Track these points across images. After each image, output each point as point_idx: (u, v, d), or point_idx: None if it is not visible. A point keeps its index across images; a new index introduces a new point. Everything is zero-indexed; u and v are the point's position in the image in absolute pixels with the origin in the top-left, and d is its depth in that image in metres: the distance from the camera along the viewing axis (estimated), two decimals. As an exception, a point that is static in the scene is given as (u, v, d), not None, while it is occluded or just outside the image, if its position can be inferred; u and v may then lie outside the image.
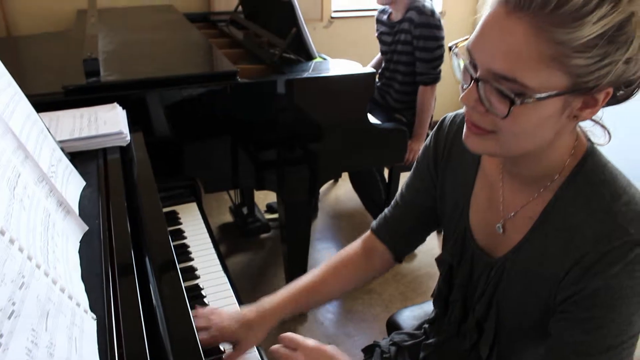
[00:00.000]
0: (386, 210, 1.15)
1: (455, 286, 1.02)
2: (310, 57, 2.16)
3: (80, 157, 1.26)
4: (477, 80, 0.72)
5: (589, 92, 0.69)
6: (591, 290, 0.74)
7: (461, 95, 0.75)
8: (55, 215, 0.91)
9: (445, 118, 1.03)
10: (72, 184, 1.10)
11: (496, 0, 0.69)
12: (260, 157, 1.98)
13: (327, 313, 2.43)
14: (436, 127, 1.04)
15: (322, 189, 3.46)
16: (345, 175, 3.16)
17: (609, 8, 0.63)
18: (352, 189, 3.09)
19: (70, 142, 1.27)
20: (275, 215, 3.06)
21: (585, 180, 0.79)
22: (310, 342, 0.95)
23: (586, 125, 0.82)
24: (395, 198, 1.14)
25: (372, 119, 2.13)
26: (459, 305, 1.02)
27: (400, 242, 1.14)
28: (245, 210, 2.95)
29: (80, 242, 0.95)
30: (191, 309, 1.11)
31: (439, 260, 1.07)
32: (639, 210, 0.74)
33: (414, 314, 1.48)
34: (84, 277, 0.85)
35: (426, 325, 1.22)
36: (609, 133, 0.82)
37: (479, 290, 0.95)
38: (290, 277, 2.28)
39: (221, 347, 1.04)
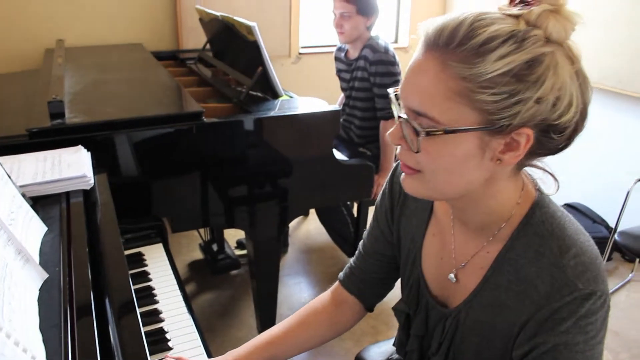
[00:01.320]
0: (351, 260, 1.15)
1: (412, 336, 1.01)
2: (276, 95, 2.19)
3: (43, 201, 1.26)
4: (400, 118, 0.74)
5: (505, 132, 0.70)
6: (548, 347, 0.74)
7: (389, 136, 0.78)
8: (13, 264, 0.91)
9: (398, 164, 1.01)
10: (33, 230, 1.10)
11: (419, 43, 0.73)
12: (228, 195, 1.98)
13: (298, 349, 2.42)
14: (391, 172, 1.04)
15: (293, 224, 3.46)
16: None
17: (512, 47, 0.66)
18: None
19: (32, 187, 1.27)
20: (245, 252, 3.05)
21: (534, 231, 0.79)
22: None
23: (536, 174, 0.84)
24: (358, 248, 1.13)
25: (338, 154, 2.16)
26: (415, 356, 1.01)
27: (368, 292, 1.12)
28: (215, 247, 2.94)
29: (40, 289, 0.95)
30: (154, 353, 1.12)
31: (395, 309, 1.06)
32: (586, 261, 0.75)
33: (382, 350, 1.48)
34: (41, 328, 0.84)
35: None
36: (557, 182, 0.83)
37: (435, 341, 0.94)
38: (260, 313, 2.29)
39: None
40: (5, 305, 0.78)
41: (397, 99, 0.76)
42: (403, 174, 0.81)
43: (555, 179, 0.83)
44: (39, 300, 0.92)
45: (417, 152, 0.73)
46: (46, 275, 0.98)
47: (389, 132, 0.78)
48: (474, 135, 0.70)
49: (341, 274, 1.15)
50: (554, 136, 0.72)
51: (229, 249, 2.95)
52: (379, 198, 1.07)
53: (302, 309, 1.13)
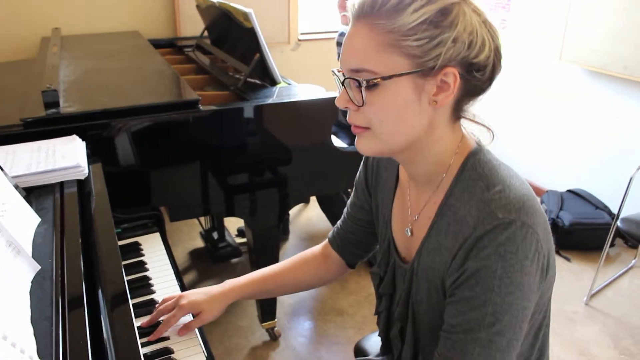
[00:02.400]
0: (338, 222, 1.25)
1: (382, 297, 1.08)
2: (274, 82, 2.17)
3: (37, 192, 1.25)
4: (342, 83, 0.84)
5: (433, 73, 0.79)
6: (471, 271, 0.79)
7: (337, 102, 0.86)
8: (4, 256, 0.90)
9: None
10: (26, 221, 1.08)
11: (350, 19, 0.84)
12: (227, 183, 1.97)
13: (300, 337, 2.42)
14: None
15: (294, 211, 3.45)
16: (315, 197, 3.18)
17: (424, 1, 0.77)
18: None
19: (26, 177, 1.25)
20: (246, 240, 3.04)
21: (469, 176, 0.86)
22: None
23: (475, 129, 0.92)
24: (344, 212, 1.22)
25: (338, 142, 2.14)
26: (384, 316, 1.09)
27: (349, 251, 1.22)
28: (215, 235, 2.93)
29: (33, 282, 0.94)
30: (151, 344, 1.11)
31: (371, 272, 1.14)
32: (510, 196, 0.80)
33: (378, 339, 1.47)
34: (33, 321, 0.83)
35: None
36: (492, 133, 0.92)
37: (398, 296, 1.02)
38: (261, 301, 2.28)
39: None
40: (-6, 299, 0.76)
41: (338, 73, 0.86)
42: (356, 140, 0.88)
43: (489, 129, 0.92)
44: (31, 292, 0.90)
45: (362, 104, 0.81)
46: (38, 267, 0.96)
47: (336, 99, 0.86)
48: (408, 80, 0.80)
49: (330, 233, 1.26)
50: (477, 74, 0.82)
51: (229, 237, 2.94)
52: (359, 170, 1.16)
53: (296, 255, 1.27)
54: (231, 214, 2.06)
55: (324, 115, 2.02)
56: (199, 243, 3.05)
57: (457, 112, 0.87)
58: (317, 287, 1.31)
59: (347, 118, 0.87)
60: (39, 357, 0.76)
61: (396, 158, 0.94)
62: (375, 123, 0.83)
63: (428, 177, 0.92)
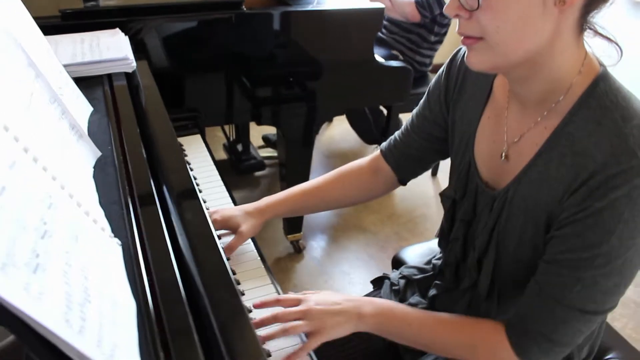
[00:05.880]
0: (396, 133, 1.16)
1: (457, 222, 1.01)
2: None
3: (84, 83, 1.20)
4: None
5: None
6: (593, 210, 0.73)
7: (445, 10, 0.77)
8: (69, 138, 0.87)
9: (459, 50, 1.00)
10: (81, 108, 1.05)
11: None
12: (261, 91, 1.92)
13: (323, 251, 2.44)
14: (450, 58, 1.02)
15: (317, 128, 3.42)
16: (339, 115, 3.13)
17: None
18: (346, 129, 3.06)
19: (73, 67, 1.21)
20: (271, 153, 3.02)
21: (597, 104, 0.76)
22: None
23: (599, 48, 0.81)
24: (405, 124, 1.14)
25: (376, 56, 2.07)
26: (459, 244, 1.01)
27: (405, 166, 1.15)
28: (239, 147, 2.90)
29: (93, 168, 0.91)
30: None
31: (442, 194, 1.06)
32: None
33: (420, 251, 1.48)
34: (101, 204, 0.81)
35: (435, 261, 1.21)
36: (620, 50, 0.79)
37: (481, 224, 0.94)
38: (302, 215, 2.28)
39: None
40: (71, 177, 0.74)
41: None
42: (466, 52, 0.79)
43: (618, 46, 0.79)
44: (94, 177, 0.88)
45: (477, 8, 0.71)
46: (99, 153, 0.94)
47: (445, 7, 0.77)
48: None
49: (383, 144, 1.18)
50: None
51: (253, 150, 2.91)
52: (433, 80, 1.07)
53: (339, 169, 1.19)
54: (262, 122, 2.03)
55: (367, 28, 1.93)
56: (222, 155, 3.02)
57: (584, 19, 0.76)
58: (361, 203, 1.25)
59: (457, 29, 0.77)
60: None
61: (508, 75, 0.84)
62: (491, 31, 0.73)
63: (541, 97, 0.82)
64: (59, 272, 0.54)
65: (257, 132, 3.10)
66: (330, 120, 3.44)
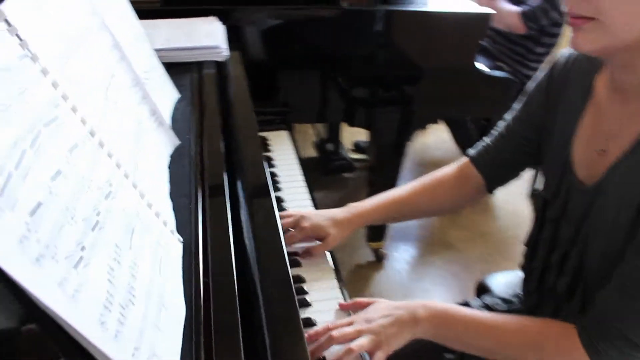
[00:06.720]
0: (486, 139, 1.11)
1: (546, 223, 0.97)
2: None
3: (174, 69, 1.19)
4: None
5: None
6: None
7: None
8: (147, 124, 0.84)
9: (561, 54, 0.97)
10: (166, 94, 1.03)
11: None
12: (353, 90, 1.86)
13: (404, 263, 2.34)
14: (552, 63, 0.98)
15: (411, 134, 3.31)
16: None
17: None
18: (441, 137, 2.94)
19: (165, 52, 1.20)
20: (362, 156, 2.96)
21: None
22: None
23: None
24: (497, 128, 1.09)
25: (479, 65, 1.95)
26: (546, 245, 0.97)
27: (496, 172, 1.10)
28: (330, 146, 2.85)
29: (171, 156, 0.89)
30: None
31: (533, 194, 1.02)
32: None
33: (508, 280, 1.36)
34: (171, 195, 0.78)
35: (521, 294, 1.13)
36: None
37: (570, 221, 0.90)
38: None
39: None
40: (140, 165, 0.71)
41: None
42: (572, 37, 0.75)
43: None
44: (169, 167, 0.85)
45: None
46: (178, 142, 0.91)
47: None
48: None
49: (472, 151, 1.13)
50: None
51: (343, 150, 2.86)
52: (534, 83, 1.03)
53: (426, 177, 1.15)
54: (353, 123, 1.97)
55: (471, 33, 1.82)
56: (311, 153, 2.99)
57: None
58: (449, 213, 1.21)
59: (567, 9, 0.73)
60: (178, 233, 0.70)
61: (613, 60, 0.80)
62: (607, 9, 0.69)
63: None
64: (103, 268, 0.50)
65: (349, 134, 3.04)
66: (423, 127, 3.31)
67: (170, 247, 0.66)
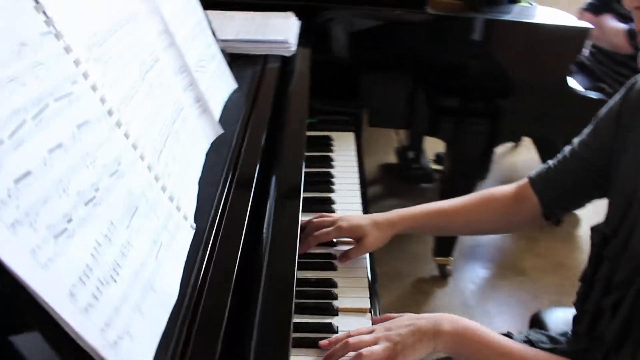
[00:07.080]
0: (550, 161, 1.04)
1: (604, 261, 0.88)
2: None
3: (241, 61, 1.21)
4: None
5: None
6: None
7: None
8: (189, 110, 0.86)
9: (637, 80, 0.90)
10: (222, 84, 1.05)
11: None
12: (436, 100, 1.81)
13: (470, 283, 2.25)
14: (626, 87, 0.91)
15: (500, 151, 3.17)
16: (528, 142, 2.88)
17: None
18: (532, 158, 2.80)
19: (232, 43, 1.23)
20: (442, 167, 2.88)
21: None
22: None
23: None
24: (563, 151, 1.02)
25: (572, 83, 1.83)
26: (601, 286, 0.88)
27: (555, 197, 1.03)
28: (411, 154, 2.80)
29: (212, 143, 0.90)
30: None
31: (593, 229, 0.93)
32: None
33: (566, 317, 1.26)
34: (200, 183, 0.79)
35: (570, 334, 1.04)
36: None
37: (629, 263, 0.82)
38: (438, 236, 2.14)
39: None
40: (165, 149, 0.72)
41: None
42: None
43: None
44: (208, 153, 0.87)
45: None
46: (221, 131, 0.92)
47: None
48: None
49: (533, 172, 1.06)
50: None
51: (424, 160, 2.80)
52: (605, 110, 0.96)
53: (481, 191, 1.11)
54: (433, 133, 1.92)
55: (566, 48, 1.72)
56: (392, 159, 2.95)
57: None
58: (498, 234, 1.15)
59: (634, 25, 0.69)
60: (194, 220, 0.71)
61: None
62: None
63: None
64: (89, 242, 0.51)
65: (433, 143, 2.97)
66: (516, 141, 3.16)
67: (179, 232, 0.67)
